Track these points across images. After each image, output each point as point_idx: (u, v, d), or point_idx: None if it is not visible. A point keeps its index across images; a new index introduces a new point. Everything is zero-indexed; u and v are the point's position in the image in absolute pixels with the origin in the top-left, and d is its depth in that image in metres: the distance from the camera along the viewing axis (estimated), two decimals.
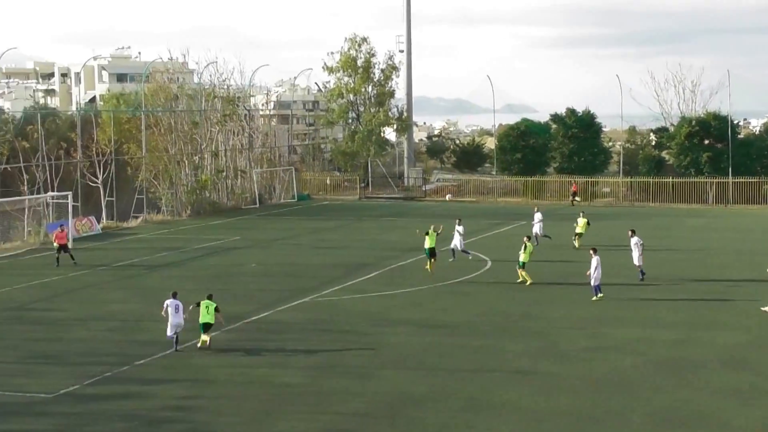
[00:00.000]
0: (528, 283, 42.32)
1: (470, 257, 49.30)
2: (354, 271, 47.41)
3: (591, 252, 40.11)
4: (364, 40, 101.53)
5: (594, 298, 38.99)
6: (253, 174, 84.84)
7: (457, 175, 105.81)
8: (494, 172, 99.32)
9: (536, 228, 55.78)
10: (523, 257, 42.78)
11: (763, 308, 36.78)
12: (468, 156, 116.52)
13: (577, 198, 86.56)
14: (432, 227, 46.15)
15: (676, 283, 43.45)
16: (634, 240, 44.30)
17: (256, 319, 36.34)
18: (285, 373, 28.30)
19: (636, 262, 43.97)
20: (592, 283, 39.34)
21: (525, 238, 43.90)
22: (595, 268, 39.26)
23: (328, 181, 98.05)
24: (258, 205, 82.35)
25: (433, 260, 45.57)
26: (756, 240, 59.86)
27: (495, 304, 38.88)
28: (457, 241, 49.28)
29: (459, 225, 49.43)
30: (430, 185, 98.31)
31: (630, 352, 30.68)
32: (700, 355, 30.23)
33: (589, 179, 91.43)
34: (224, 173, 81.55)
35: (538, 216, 56.68)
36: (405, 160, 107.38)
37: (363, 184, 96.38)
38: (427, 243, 45.42)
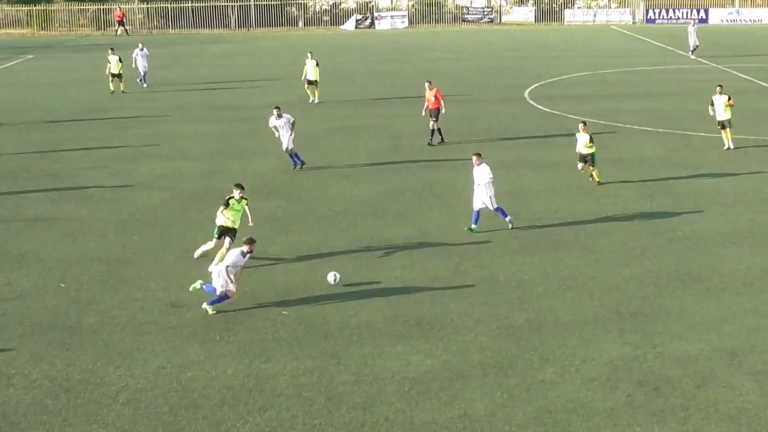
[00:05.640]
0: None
1: None
2: None
3: None
4: None
5: None
6: None
7: None
8: None
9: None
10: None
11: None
12: None
13: (125, 28, 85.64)
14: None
15: (204, 116, 45.01)
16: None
17: None
18: None
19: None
20: None
21: None
22: None
23: None
24: None
25: None
26: (279, 65, 63.09)
27: None
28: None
29: None
30: None
31: (158, 188, 31.41)
32: (229, 184, 30.52)
33: (100, 6, 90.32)
34: None
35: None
36: None
37: None
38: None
